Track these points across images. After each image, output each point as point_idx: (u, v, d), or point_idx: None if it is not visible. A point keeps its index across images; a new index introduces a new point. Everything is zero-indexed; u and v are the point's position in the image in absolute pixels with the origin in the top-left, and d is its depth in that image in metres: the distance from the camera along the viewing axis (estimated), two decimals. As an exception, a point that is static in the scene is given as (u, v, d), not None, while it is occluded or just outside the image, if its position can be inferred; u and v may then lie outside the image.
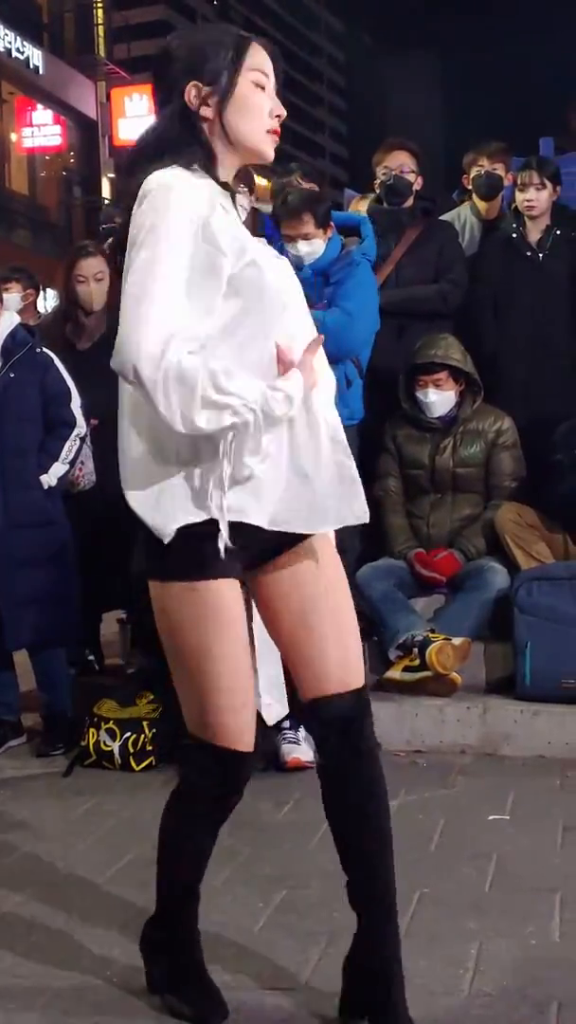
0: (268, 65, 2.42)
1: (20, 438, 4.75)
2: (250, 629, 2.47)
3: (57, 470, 4.78)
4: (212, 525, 2.28)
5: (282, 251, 4.32)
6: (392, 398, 5.30)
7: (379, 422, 5.29)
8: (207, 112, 2.37)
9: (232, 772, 2.46)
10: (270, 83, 2.42)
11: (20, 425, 4.76)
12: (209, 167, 2.37)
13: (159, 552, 2.32)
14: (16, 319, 4.90)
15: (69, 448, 4.81)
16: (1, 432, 4.72)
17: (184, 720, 2.47)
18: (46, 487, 4.76)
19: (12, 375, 4.74)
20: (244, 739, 2.43)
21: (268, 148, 2.42)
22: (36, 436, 4.80)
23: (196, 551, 2.30)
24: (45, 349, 4.86)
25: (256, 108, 2.39)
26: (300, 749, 4.37)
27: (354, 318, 4.76)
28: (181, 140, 2.37)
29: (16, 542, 4.68)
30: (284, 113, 2.44)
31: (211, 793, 2.49)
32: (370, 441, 5.22)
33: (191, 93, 2.36)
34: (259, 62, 2.40)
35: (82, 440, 4.86)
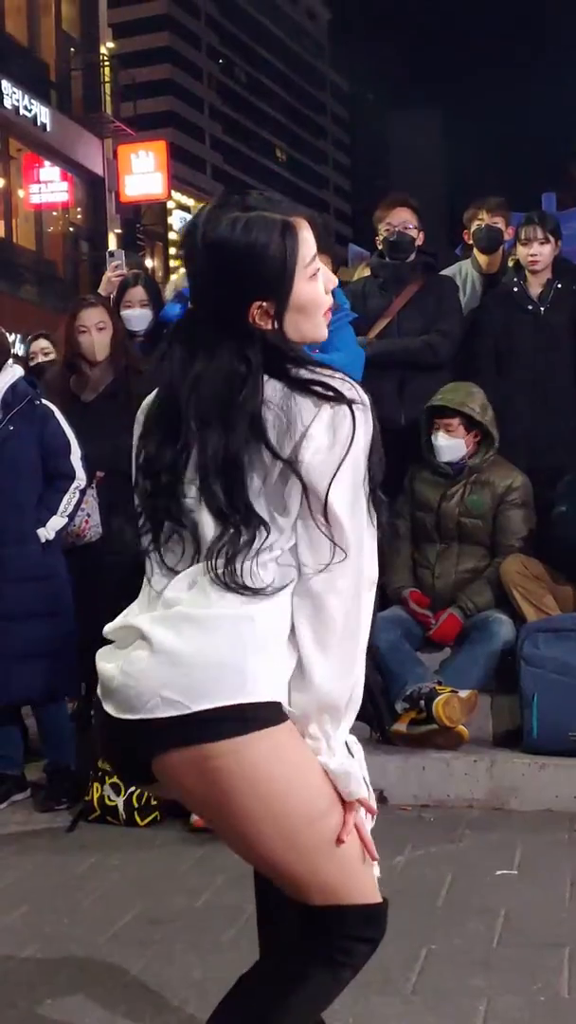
0: (313, 240, 2.11)
1: (17, 492, 4.74)
2: None
3: (55, 523, 4.76)
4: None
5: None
6: (393, 451, 5.31)
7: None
8: (266, 323, 2.05)
9: (384, 926, 2.13)
10: (317, 256, 2.13)
11: (18, 479, 4.75)
12: None
13: (240, 705, 1.96)
14: (19, 372, 4.91)
15: (68, 501, 4.80)
16: None
17: (327, 896, 2.04)
18: (43, 541, 4.75)
19: (11, 428, 4.75)
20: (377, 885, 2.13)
21: (324, 330, 2.17)
22: (34, 490, 4.79)
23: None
24: (45, 401, 4.88)
25: (320, 301, 2.12)
26: None
27: (346, 368, 4.84)
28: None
29: (12, 597, 4.67)
30: (336, 282, 2.19)
31: (365, 956, 2.12)
32: (393, 477, 5.26)
33: (256, 315, 2.04)
34: (310, 248, 2.09)
35: (82, 493, 4.85)
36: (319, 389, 1.99)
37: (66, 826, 4.48)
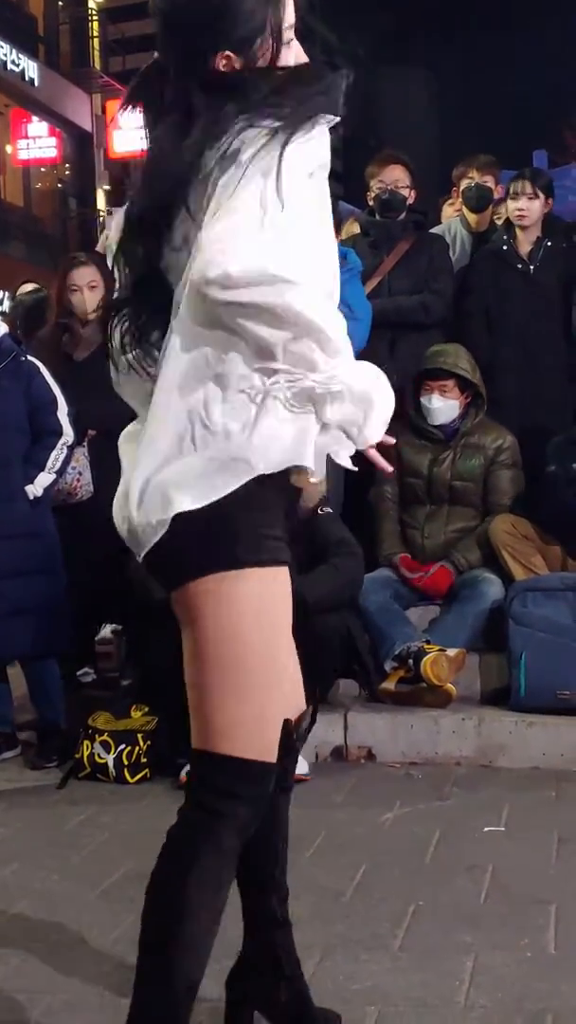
0: (292, 8, 2.09)
1: (4, 447, 4.70)
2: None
3: (43, 480, 4.73)
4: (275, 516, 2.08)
5: None
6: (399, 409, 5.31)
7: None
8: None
9: (268, 791, 2.14)
10: (292, 27, 2.10)
11: (4, 434, 4.72)
12: None
13: (226, 539, 2.02)
14: (3, 328, 4.88)
15: (55, 458, 4.77)
16: None
17: (219, 740, 2.09)
18: (32, 497, 4.72)
19: None
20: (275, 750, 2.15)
21: None
22: (21, 446, 4.76)
23: (265, 538, 2.06)
24: (31, 357, 4.85)
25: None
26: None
27: (360, 321, 5.02)
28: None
29: (1, 554, 4.66)
30: (306, 59, 2.15)
31: (246, 821, 2.11)
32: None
33: (220, 64, 2.03)
34: (290, 13, 2.08)
35: (70, 449, 4.82)
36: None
37: (56, 783, 4.50)
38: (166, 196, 2.04)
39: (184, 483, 2.00)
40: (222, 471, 1.98)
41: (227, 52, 2.02)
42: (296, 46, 2.10)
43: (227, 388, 1.98)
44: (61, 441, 4.78)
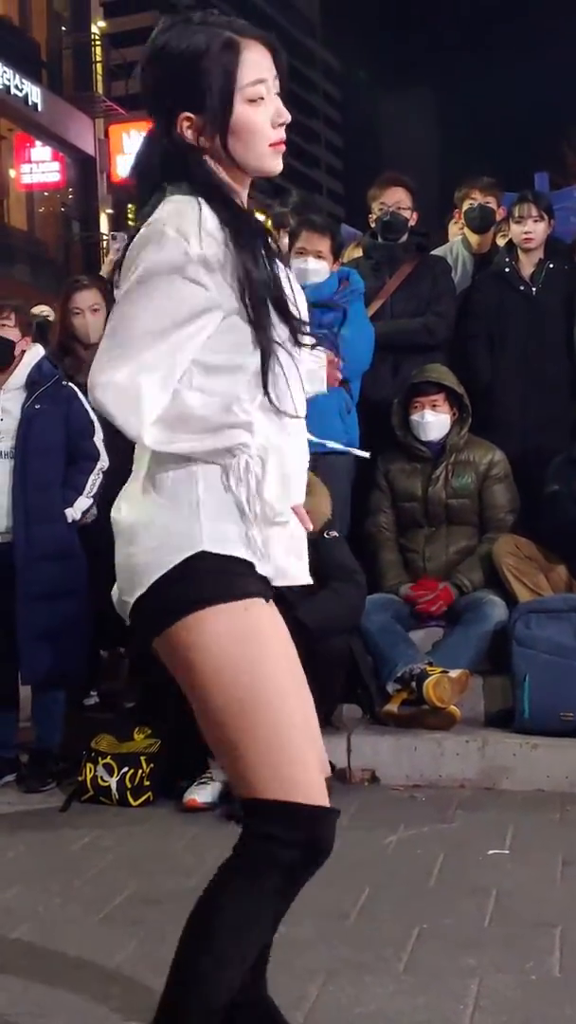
0: (264, 65, 2.10)
1: (45, 471, 4.76)
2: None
3: (81, 504, 4.81)
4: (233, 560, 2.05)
5: None
6: (389, 431, 5.32)
7: (375, 454, 5.32)
8: (206, 143, 2.10)
9: (324, 835, 2.08)
10: (269, 85, 2.11)
11: (45, 458, 4.77)
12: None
13: (189, 580, 2.02)
14: (41, 351, 4.92)
15: (92, 482, 4.84)
16: (25, 465, 4.72)
17: (249, 786, 2.04)
18: (71, 520, 4.79)
19: (38, 407, 4.76)
20: (324, 791, 2.09)
21: (273, 164, 2.14)
22: (60, 469, 4.82)
23: (231, 572, 2.04)
24: (70, 383, 4.89)
25: (256, 129, 2.10)
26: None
27: (361, 340, 5.11)
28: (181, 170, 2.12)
29: (38, 575, 4.67)
30: (288, 118, 2.14)
31: (295, 866, 2.06)
32: (364, 473, 5.26)
33: (183, 126, 2.09)
34: (253, 71, 2.08)
35: (104, 474, 4.87)
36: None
37: (59, 806, 4.49)
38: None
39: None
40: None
41: (186, 114, 2.08)
42: (270, 105, 2.11)
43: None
44: (98, 466, 4.86)
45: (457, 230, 6.60)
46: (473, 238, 6.35)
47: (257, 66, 2.09)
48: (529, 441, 5.50)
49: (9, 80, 24.35)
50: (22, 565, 4.67)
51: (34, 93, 25.44)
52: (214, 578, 2.02)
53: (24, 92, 24.99)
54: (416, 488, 5.30)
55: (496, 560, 5.07)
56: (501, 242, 6.24)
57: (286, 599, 2.21)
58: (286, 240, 5.09)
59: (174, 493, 2.05)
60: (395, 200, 5.79)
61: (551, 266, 5.71)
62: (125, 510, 2.14)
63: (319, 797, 2.05)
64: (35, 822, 4.37)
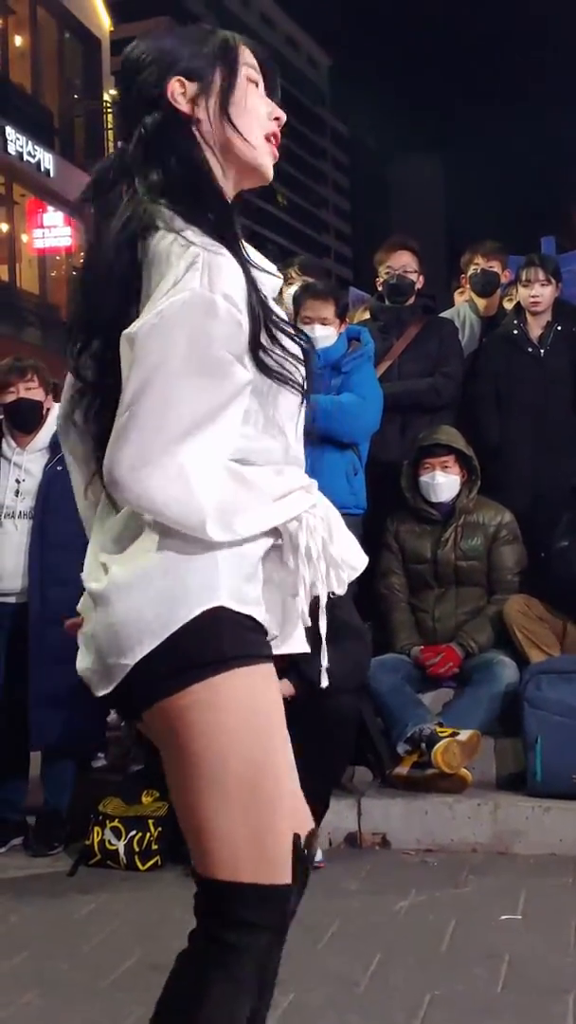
0: (254, 63, 1.99)
1: (62, 533, 4.69)
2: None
3: None
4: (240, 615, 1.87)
5: None
6: (397, 492, 5.34)
7: (383, 515, 5.34)
8: (200, 113, 1.92)
9: (286, 914, 1.93)
10: (261, 87, 1.99)
11: (64, 521, 4.75)
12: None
13: (209, 636, 1.83)
14: None
15: None
16: (44, 525, 4.72)
17: (226, 868, 1.90)
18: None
19: (59, 468, 4.76)
20: (290, 862, 1.93)
21: (267, 159, 1.99)
22: (79, 531, 4.78)
23: (250, 632, 1.87)
24: None
25: (253, 109, 1.95)
26: None
27: (368, 402, 5.09)
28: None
29: (51, 639, 4.63)
30: (283, 117, 2.02)
31: (267, 948, 1.91)
32: (372, 534, 5.26)
33: (175, 90, 1.91)
34: (250, 60, 1.97)
35: None
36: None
37: (66, 871, 4.45)
38: None
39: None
40: None
41: (179, 77, 1.91)
42: (260, 94, 1.99)
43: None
44: None
45: (463, 300, 6.66)
46: (480, 301, 6.42)
47: (252, 60, 1.98)
48: (538, 501, 5.51)
49: (22, 147, 24.71)
50: (36, 627, 4.65)
51: (46, 159, 25.79)
52: (236, 636, 1.84)
53: (37, 158, 25.35)
54: (425, 550, 5.31)
55: (507, 621, 5.06)
56: (508, 305, 6.29)
57: (291, 656, 2.15)
58: (290, 292, 5.15)
59: (184, 545, 1.86)
60: (401, 264, 5.86)
61: (559, 328, 5.76)
62: (117, 570, 2.00)
63: (288, 872, 1.90)
64: (42, 886, 4.34)
